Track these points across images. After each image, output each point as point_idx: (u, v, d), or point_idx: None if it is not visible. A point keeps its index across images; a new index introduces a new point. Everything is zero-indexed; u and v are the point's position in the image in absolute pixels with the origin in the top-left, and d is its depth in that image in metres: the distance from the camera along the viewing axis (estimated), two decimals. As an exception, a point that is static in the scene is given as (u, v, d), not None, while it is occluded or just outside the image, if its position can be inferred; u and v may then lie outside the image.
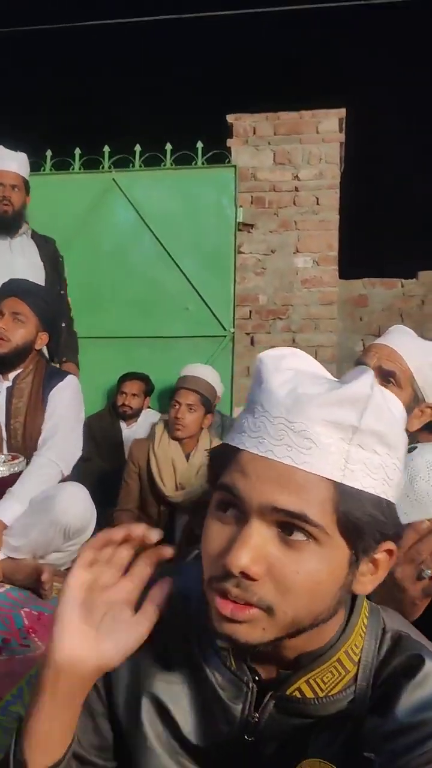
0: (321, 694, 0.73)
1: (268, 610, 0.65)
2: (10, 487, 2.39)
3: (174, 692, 0.78)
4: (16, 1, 4.38)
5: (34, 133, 3.91)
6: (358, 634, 0.75)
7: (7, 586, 2.21)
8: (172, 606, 0.75)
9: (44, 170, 4.59)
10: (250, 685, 0.75)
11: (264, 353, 0.72)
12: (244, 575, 0.65)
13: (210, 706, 0.77)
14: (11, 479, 2.41)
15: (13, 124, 4.12)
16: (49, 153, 4.59)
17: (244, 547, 0.64)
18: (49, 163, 4.60)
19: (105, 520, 2.83)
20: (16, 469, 2.42)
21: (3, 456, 2.47)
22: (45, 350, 2.90)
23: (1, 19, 4.26)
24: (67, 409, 2.56)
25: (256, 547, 0.65)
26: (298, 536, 0.65)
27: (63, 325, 3.55)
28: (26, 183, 3.31)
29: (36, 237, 3.43)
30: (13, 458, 2.46)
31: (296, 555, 0.65)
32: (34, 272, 3.29)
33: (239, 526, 0.66)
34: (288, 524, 0.65)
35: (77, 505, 2.27)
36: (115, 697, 0.80)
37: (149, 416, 4.03)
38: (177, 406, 3.08)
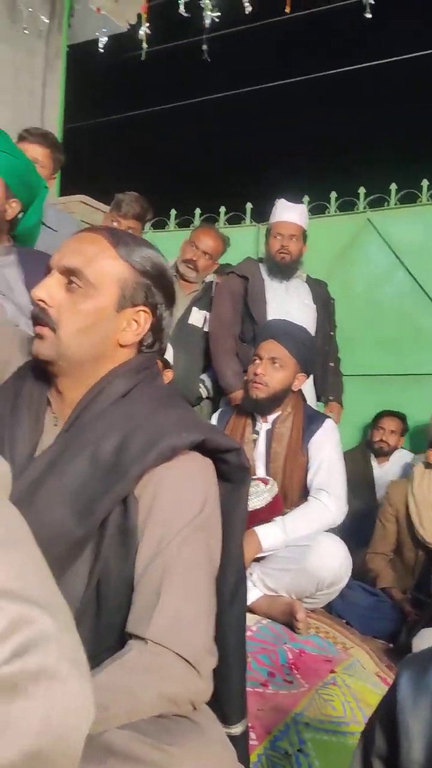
0: None
1: None
2: (268, 515, 2.45)
3: None
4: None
5: (294, 181, 4.16)
6: None
7: (267, 620, 2.35)
8: None
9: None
10: None
11: None
12: None
13: None
14: (269, 509, 2.47)
15: (284, 170, 4.43)
16: (306, 198, 4.82)
17: None
18: (306, 207, 4.82)
19: (358, 559, 2.86)
20: (275, 491, 2.48)
21: (260, 484, 2.51)
22: (304, 390, 2.90)
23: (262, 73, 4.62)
24: (335, 457, 2.61)
25: None
26: None
27: (331, 364, 3.63)
28: (304, 232, 3.44)
29: (310, 281, 3.56)
30: (265, 483, 2.51)
31: None
32: (307, 313, 3.41)
33: None
34: None
35: (333, 561, 2.30)
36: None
37: (402, 456, 4.00)
38: None
